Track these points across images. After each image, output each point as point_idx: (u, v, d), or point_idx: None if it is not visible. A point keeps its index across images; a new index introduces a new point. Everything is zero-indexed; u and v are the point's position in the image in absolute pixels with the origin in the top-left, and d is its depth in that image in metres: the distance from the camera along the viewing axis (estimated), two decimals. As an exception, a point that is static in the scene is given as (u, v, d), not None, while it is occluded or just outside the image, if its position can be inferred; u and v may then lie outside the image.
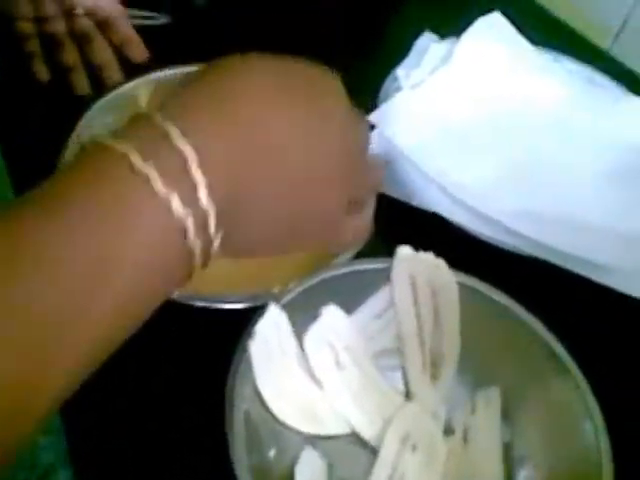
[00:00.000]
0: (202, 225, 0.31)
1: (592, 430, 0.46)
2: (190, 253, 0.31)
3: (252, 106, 0.33)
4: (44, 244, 0.28)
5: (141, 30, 0.75)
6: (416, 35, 0.77)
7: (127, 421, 0.50)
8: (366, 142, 0.41)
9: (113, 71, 0.71)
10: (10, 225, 0.29)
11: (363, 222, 0.43)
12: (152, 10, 0.77)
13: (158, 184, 0.29)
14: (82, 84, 0.71)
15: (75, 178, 0.30)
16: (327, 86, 0.38)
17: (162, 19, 0.78)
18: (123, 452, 0.49)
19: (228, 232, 0.33)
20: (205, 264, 0.33)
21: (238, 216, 0.33)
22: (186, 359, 0.53)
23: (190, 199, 0.30)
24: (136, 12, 0.76)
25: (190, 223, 0.30)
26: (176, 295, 0.50)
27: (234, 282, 0.54)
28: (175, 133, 0.30)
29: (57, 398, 0.30)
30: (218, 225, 0.32)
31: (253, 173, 0.33)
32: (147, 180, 0.29)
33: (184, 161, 0.30)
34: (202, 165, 0.30)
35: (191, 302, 0.50)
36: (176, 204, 0.30)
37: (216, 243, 0.32)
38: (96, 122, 0.59)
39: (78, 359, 0.29)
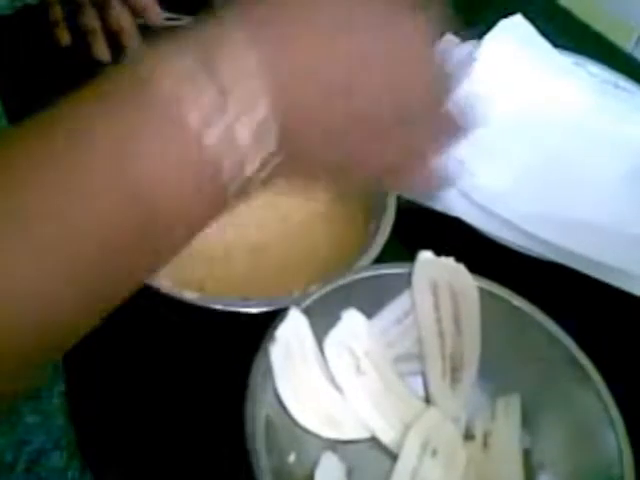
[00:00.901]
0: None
1: (613, 438, 0.46)
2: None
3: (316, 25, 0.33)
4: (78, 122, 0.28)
5: (163, 32, 0.75)
6: (437, 38, 0.77)
7: (145, 426, 0.50)
8: (444, 83, 0.38)
9: (131, 36, 0.72)
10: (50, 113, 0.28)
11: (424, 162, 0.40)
12: (173, 12, 0.77)
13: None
14: (102, 48, 0.72)
15: (117, 85, 0.30)
16: (407, 16, 0.36)
17: (184, 21, 0.78)
18: (142, 456, 0.49)
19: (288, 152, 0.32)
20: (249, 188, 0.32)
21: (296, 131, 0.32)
22: (206, 363, 0.53)
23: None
24: (158, 13, 0.77)
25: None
26: (197, 298, 0.50)
27: (255, 286, 0.55)
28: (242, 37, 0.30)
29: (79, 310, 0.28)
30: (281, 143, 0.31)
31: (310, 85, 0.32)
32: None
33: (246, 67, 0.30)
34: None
35: (212, 305, 0.50)
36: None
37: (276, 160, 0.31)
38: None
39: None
